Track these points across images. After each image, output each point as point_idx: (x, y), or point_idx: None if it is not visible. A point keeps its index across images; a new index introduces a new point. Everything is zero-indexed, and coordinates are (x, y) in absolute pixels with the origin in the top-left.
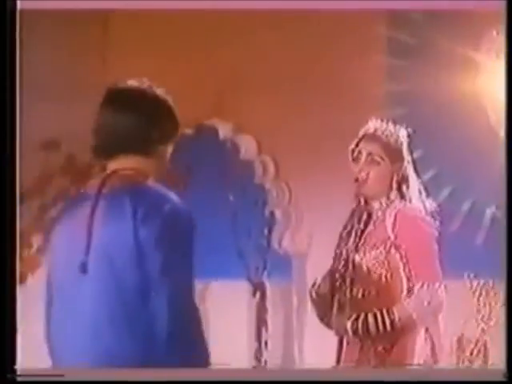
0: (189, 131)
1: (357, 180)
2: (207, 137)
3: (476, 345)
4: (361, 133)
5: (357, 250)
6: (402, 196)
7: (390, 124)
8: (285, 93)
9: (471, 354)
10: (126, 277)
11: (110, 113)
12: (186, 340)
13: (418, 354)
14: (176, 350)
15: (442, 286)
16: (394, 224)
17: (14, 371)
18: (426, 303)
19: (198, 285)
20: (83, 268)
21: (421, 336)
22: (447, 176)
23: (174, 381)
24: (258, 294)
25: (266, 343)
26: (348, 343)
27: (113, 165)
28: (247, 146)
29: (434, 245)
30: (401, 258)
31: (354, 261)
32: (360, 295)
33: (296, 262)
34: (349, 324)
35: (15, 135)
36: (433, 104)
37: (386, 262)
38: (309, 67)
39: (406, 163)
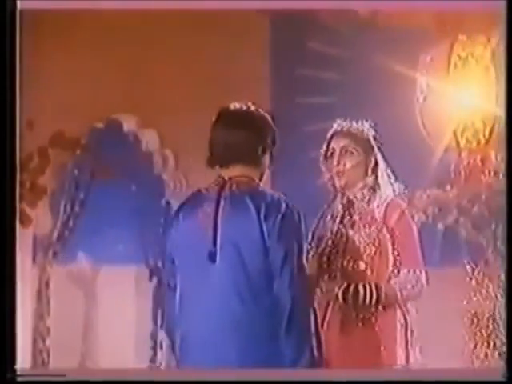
0: (100, 125)
1: (337, 173)
2: (113, 130)
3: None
4: (328, 134)
5: (351, 226)
6: (376, 181)
7: (353, 122)
8: (188, 89)
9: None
10: (253, 265)
11: (222, 130)
12: (306, 317)
13: (393, 331)
14: (295, 328)
15: (424, 273)
16: (385, 212)
17: (13, 371)
18: (410, 286)
19: (101, 268)
20: (212, 257)
21: (398, 316)
22: None
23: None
24: (154, 279)
25: (161, 325)
26: (333, 309)
27: (225, 172)
28: (149, 140)
29: (417, 236)
30: (391, 240)
31: (347, 235)
32: (350, 267)
33: None
34: (340, 291)
35: (15, 135)
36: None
37: (377, 241)
38: (214, 66)
39: (375, 151)
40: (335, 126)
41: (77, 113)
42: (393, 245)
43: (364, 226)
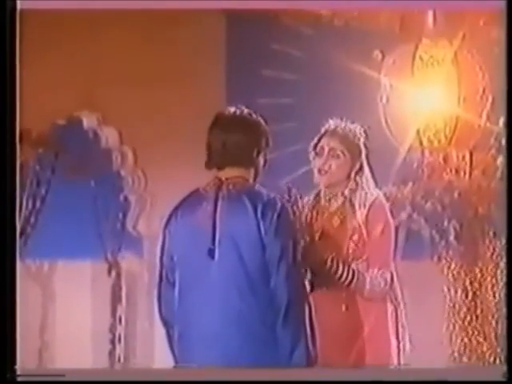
0: (61, 122)
1: (319, 171)
2: (74, 127)
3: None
4: (322, 130)
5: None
6: (357, 185)
7: (348, 122)
8: (147, 87)
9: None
10: (250, 260)
11: (218, 134)
12: (301, 310)
13: (382, 322)
14: (292, 320)
15: (390, 275)
16: (367, 212)
17: (13, 371)
18: (378, 285)
19: (59, 264)
20: (212, 254)
21: (387, 308)
22: None
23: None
24: (113, 273)
25: (120, 319)
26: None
27: (222, 174)
28: (109, 137)
29: (393, 239)
30: (367, 237)
31: (327, 228)
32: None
33: (148, 244)
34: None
35: (15, 134)
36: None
37: (355, 236)
38: (172, 65)
39: (363, 156)
40: (331, 123)
41: (38, 110)
42: (367, 242)
43: (342, 222)
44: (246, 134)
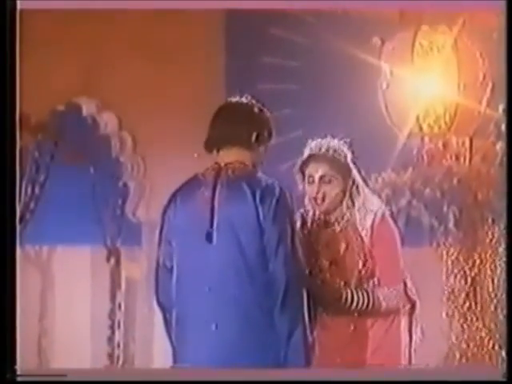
0: (60, 108)
1: (315, 200)
2: (73, 113)
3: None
4: (306, 153)
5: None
6: (354, 204)
7: (330, 141)
8: (147, 73)
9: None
10: (249, 245)
11: (220, 118)
12: (299, 295)
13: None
14: (290, 305)
15: (403, 286)
16: (371, 230)
17: (13, 371)
18: (394, 301)
19: (58, 250)
20: (209, 238)
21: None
22: None
23: None
24: (112, 259)
25: (119, 305)
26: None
27: (221, 157)
28: (108, 123)
29: (400, 251)
30: (372, 253)
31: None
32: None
33: (147, 230)
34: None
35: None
36: (322, 104)
37: (360, 255)
38: (170, 51)
39: (353, 173)
40: (312, 146)
41: (38, 96)
42: (377, 261)
43: (348, 247)
44: (246, 117)
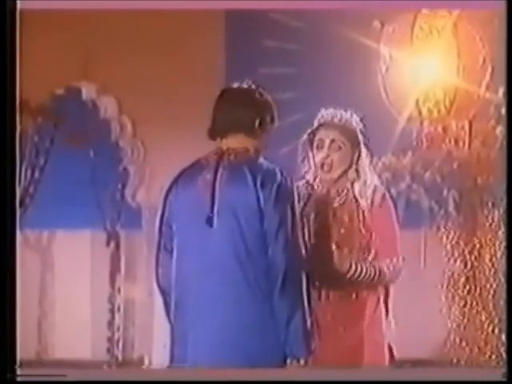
0: (60, 92)
1: (322, 166)
2: (73, 97)
3: None
4: (316, 122)
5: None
6: (358, 175)
7: (342, 111)
8: (147, 57)
9: None
10: (249, 229)
11: (223, 104)
12: (299, 279)
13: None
14: (289, 289)
15: (401, 261)
16: (371, 201)
17: (13, 371)
18: (390, 273)
19: (58, 234)
20: (210, 222)
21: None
22: None
23: None
24: (112, 243)
25: (119, 289)
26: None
27: (225, 143)
28: (108, 107)
29: (397, 226)
30: (372, 228)
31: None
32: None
33: (147, 214)
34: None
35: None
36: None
37: (359, 227)
38: (171, 35)
39: (361, 146)
40: (324, 114)
41: (38, 79)
42: (373, 233)
43: (350, 219)
44: (249, 103)
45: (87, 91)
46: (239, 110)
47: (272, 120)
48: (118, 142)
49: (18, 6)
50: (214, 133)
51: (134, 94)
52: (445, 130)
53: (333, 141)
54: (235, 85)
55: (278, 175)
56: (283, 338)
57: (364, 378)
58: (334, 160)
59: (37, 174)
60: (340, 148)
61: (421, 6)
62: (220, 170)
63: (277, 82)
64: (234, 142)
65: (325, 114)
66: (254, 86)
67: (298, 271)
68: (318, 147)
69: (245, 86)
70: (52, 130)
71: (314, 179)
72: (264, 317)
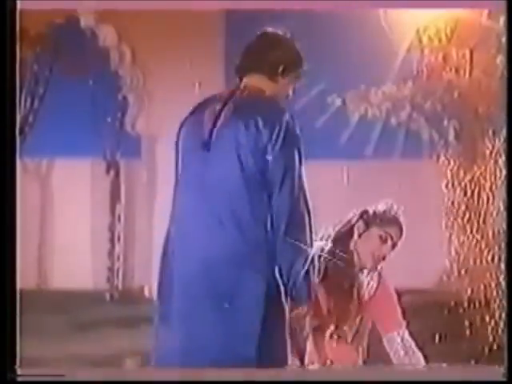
0: (59, 21)
1: (373, 256)
2: (71, 26)
3: None
4: (370, 211)
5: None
6: None
7: (393, 205)
8: None
9: None
10: (248, 164)
11: (254, 43)
12: (302, 227)
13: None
14: (292, 235)
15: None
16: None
17: (13, 371)
18: (399, 348)
19: (58, 162)
20: (207, 147)
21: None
22: None
23: None
24: (111, 172)
25: (119, 217)
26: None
27: (244, 82)
28: (107, 35)
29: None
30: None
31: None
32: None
33: (146, 143)
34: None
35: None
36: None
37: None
38: None
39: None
40: (379, 207)
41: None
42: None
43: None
44: (280, 50)
45: (86, 20)
46: (267, 51)
47: (297, 71)
48: (118, 70)
49: (18, 6)
50: (239, 69)
51: (133, 23)
52: (445, 58)
53: (386, 235)
54: (270, 29)
55: (287, 116)
56: (286, 281)
57: (364, 378)
58: (384, 253)
59: (36, 103)
60: (386, 241)
61: (421, 6)
62: (230, 103)
63: None
64: (254, 80)
65: (379, 207)
66: (288, 34)
67: (301, 219)
68: (366, 239)
69: (279, 32)
70: (51, 59)
71: None
72: (266, 262)
